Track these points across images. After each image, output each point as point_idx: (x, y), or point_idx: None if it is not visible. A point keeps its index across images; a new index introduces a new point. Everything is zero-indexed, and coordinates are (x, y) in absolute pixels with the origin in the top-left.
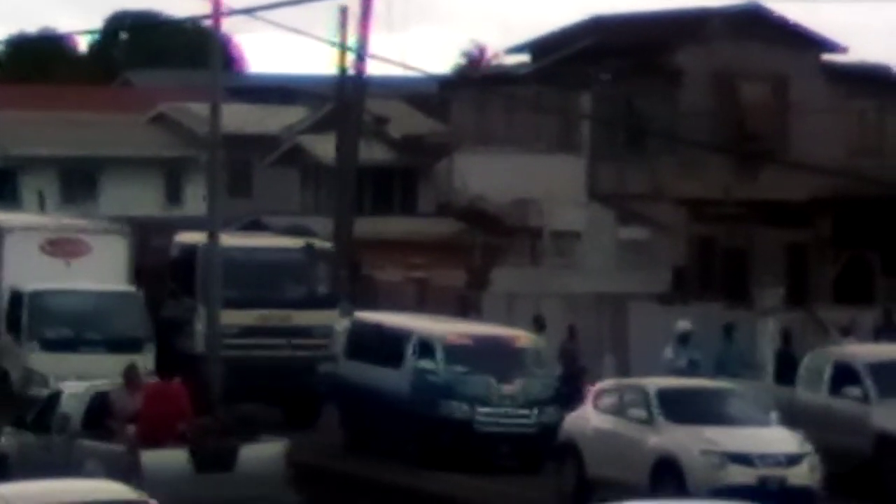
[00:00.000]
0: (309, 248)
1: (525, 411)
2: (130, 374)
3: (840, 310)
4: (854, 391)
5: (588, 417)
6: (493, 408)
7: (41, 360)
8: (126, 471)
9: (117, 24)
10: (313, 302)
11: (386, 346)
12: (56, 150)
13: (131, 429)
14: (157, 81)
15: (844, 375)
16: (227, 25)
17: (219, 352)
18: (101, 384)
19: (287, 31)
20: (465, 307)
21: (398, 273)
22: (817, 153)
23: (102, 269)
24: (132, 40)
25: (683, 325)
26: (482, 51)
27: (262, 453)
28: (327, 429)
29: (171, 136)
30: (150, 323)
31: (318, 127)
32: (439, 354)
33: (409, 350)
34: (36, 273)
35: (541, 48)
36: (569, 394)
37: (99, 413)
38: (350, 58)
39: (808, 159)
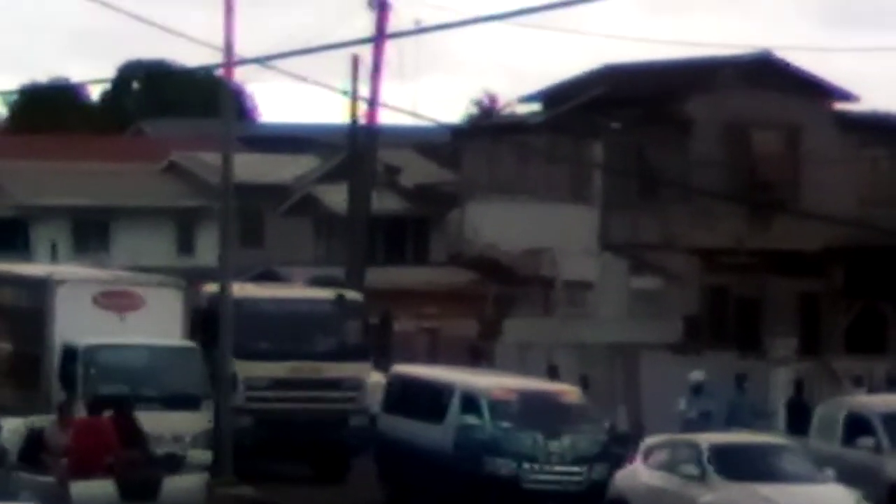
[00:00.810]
0: (340, 300)
1: (574, 468)
2: (63, 410)
3: (852, 360)
4: (867, 441)
5: (638, 474)
6: (540, 464)
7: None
8: (56, 501)
9: (130, 73)
10: (344, 354)
11: (427, 401)
12: (68, 199)
13: (63, 462)
14: (170, 131)
15: (858, 426)
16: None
17: (247, 404)
18: (37, 420)
19: (299, 81)
20: (476, 357)
21: (410, 323)
22: (830, 202)
23: (157, 324)
24: (145, 90)
25: (696, 375)
26: (493, 100)
27: (185, 484)
28: (363, 484)
29: (183, 186)
30: (208, 379)
31: (329, 176)
32: (484, 409)
33: (453, 405)
34: (89, 327)
35: (552, 97)
36: None
37: (34, 447)
38: (362, 107)
39: (820, 209)
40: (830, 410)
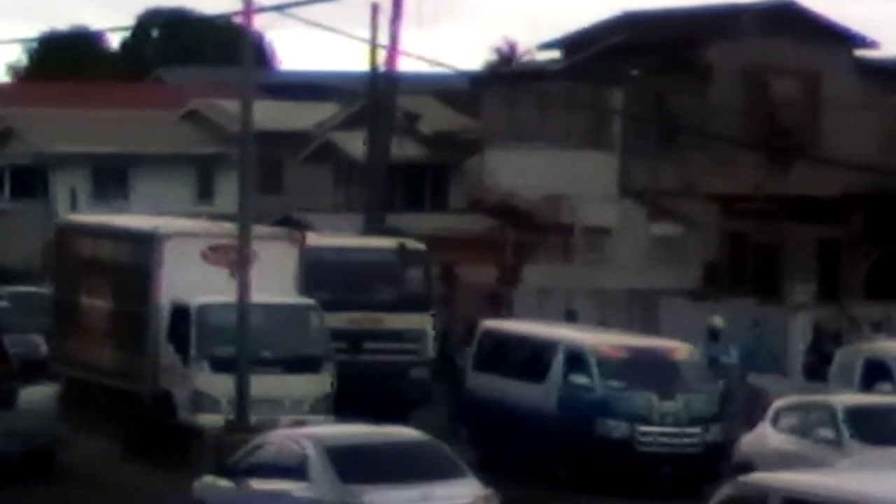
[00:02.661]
0: (402, 249)
1: (689, 429)
2: None
3: (872, 306)
4: (885, 387)
5: (767, 438)
6: (654, 426)
7: (212, 382)
8: None
9: (149, 21)
10: (405, 304)
11: (525, 358)
12: (87, 147)
13: None
14: (189, 78)
15: (876, 371)
16: (259, 22)
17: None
18: None
19: (318, 28)
20: (496, 303)
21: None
22: (849, 149)
23: (270, 280)
24: (164, 37)
25: (715, 320)
26: (513, 47)
27: (38, 394)
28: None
29: (202, 133)
30: (329, 340)
31: (349, 124)
32: (593, 368)
33: (556, 363)
34: (197, 284)
35: (572, 44)
36: None
37: None
38: (381, 54)
39: (839, 155)
40: (849, 356)
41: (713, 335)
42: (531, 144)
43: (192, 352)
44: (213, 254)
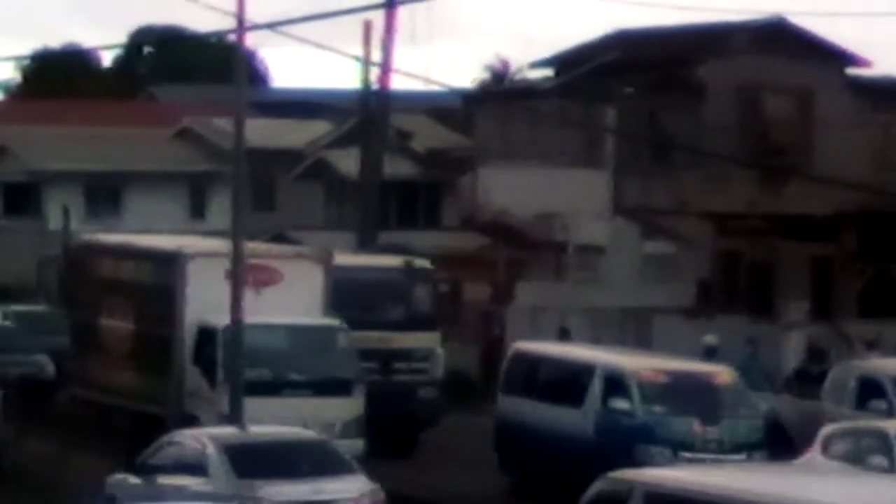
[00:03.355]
0: (409, 267)
1: (733, 457)
2: None
3: (865, 324)
4: (879, 405)
5: (817, 465)
6: (697, 453)
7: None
8: None
9: (142, 38)
10: (413, 323)
11: (560, 381)
12: (80, 164)
13: None
14: (182, 96)
15: (870, 389)
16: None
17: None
18: None
19: (311, 46)
20: (489, 321)
21: None
22: (842, 167)
23: (297, 300)
24: (156, 55)
25: (709, 339)
26: (506, 65)
27: None
28: (483, 472)
29: (195, 151)
30: (358, 361)
31: (342, 141)
32: (633, 392)
33: (593, 386)
34: (222, 304)
35: (565, 62)
36: None
37: None
38: (374, 72)
39: (832, 173)
40: (842, 374)
41: (708, 353)
42: (524, 162)
43: (220, 375)
44: None
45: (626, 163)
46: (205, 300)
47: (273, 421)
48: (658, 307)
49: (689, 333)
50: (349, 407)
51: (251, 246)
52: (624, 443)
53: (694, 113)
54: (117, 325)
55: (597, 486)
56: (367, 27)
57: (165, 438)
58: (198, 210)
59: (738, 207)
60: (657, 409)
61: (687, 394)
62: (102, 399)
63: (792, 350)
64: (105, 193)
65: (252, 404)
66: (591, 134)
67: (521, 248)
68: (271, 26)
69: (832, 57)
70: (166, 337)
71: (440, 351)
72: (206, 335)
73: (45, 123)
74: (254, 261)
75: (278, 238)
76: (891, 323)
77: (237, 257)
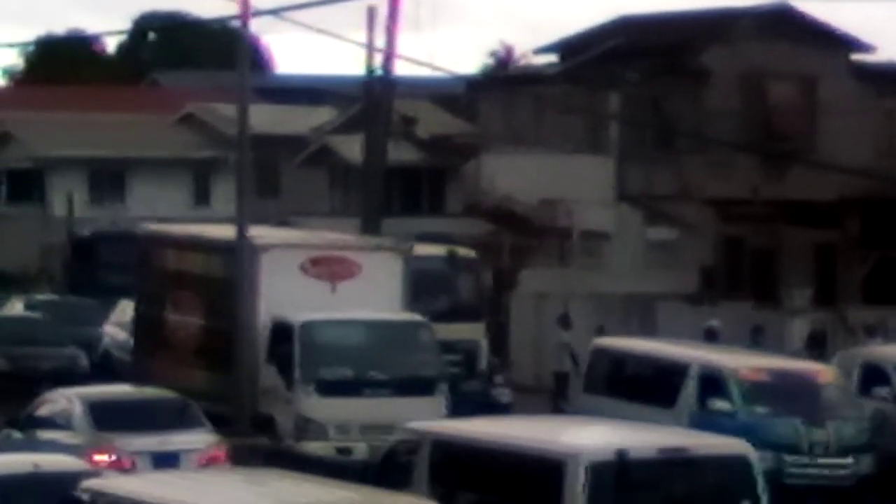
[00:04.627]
0: (452, 257)
1: (840, 460)
2: None
3: (869, 310)
4: (883, 391)
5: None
6: (802, 456)
7: (318, 407)
8: None
9: (145, 24)
10: (456, 314)
11: (649, 380)
12: (84, 151)
13: None
14: (185, 82)
15: (873, 376)
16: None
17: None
18: None
19: (315, 32)
20: (495, 308)
21: None
22: (845, 153)
23: (374, 294)
24: (160, 41)
25: (711, 322)
26: (510, 51)
27: None
28: None
29: (198, 137)
30: (442, 359)
31: (345, 127)
32: (734, 392)
33: (687, 386)
34: (297, 299)
35: (568, 48)
36: None
37: None
38: (378, 58)
39: (836, 159)
40: (846, 361)
41: (711, 337)
42: (528, 148)
43: (297, 374)
44: (314, 267)
45: (630, 149)
46: (278, 294)
47: (355, 423)
48: (662, 293)
49: (693, 320)
50: (432, 407)
51: (328, 237)
52: None
53: (698, 99)
54: (185, 320)
55: (395, 437)
56: (371, 13)
57: (42, 397)
58: (202, 196)
59: (742, 193)
60: (759, 409)
61: (789, 393)
62: None
63: (796, 336)
64: (109, 180)
65: (329, 405)
66: (595, 120)
67: (525, 234)
68: (275, 12)
69: (836, 43)
70: (238, 333)
71: (484, 342)
72: (281, 332)
73: (49, 110)
74: (330, 253)
75: (282, 225)
76: (894, 309)
77: (240, 244)
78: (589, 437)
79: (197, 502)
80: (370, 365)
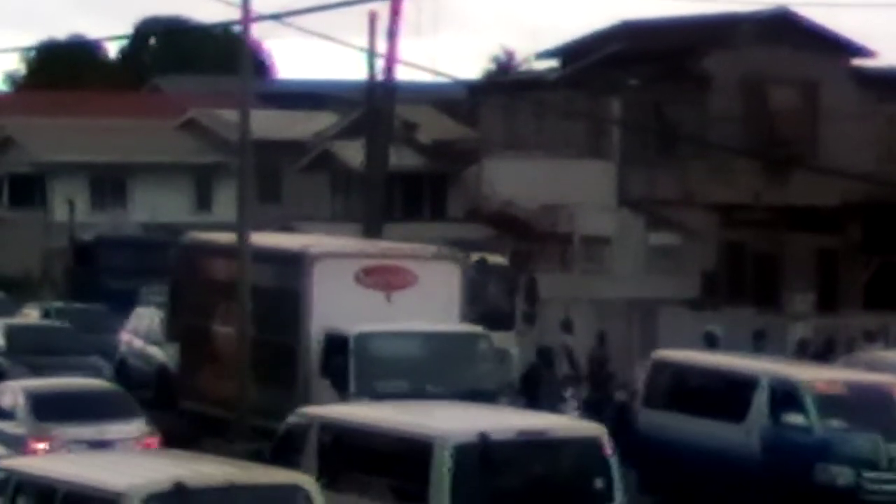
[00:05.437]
0: (482, 264)
1: None
2: None
3: (871, 316)
4: None
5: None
6: (882, 472)
7: None
8: None
9: (147, 30)
10: (488, 323)
11: (715, 394)
12: (85, 156)
13: None
14: (187, 87)
15: None
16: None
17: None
18: None
19: (316, 37)
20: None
21: None
22: (847, 158)
23: (431, 304)
24: (162, 46)
25: (710, 327)
26: (511, 56)
27: None
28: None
29: (200, 142)
30: (501, 371)
31: (347, 133)
32: (809, 406)
33: (758, 399)
34: (351, 310)
35: (570, 54)
36: (598, 400)
37: None
38: (379, 63)
39: (837, 164)
40: (847, 366)
41: (710, 342)
42: (529, 153)
43: (351, 387)
44: (368, 276)
45: (632, 154)
46: (332, 305)
47: None
48: (663, 298)
49: (695, 325)
50: None
51: (382, 245)
52: (799, 462)
53: (699, 104)
54: (233, 332)
55: (288, 421)
56: (373, 18)
57: None
58: (203, 201)
59: (744, 199)
60: (836, 424)
61: (867, 407)
62: (215, 413)
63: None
64: (110, 185)
65: None
66: (597, 125)
67: (527, 239)
68: (277, 17)
69: (837, 48)
70: (290, 345)
71: (514, 351)
72: (335, 344)
73: (51, 115)
74: (385, 262)
75: (284, 230)
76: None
77: (242, 249)
78: (455, 420)
79: (84, 475)
80: (427, 378)
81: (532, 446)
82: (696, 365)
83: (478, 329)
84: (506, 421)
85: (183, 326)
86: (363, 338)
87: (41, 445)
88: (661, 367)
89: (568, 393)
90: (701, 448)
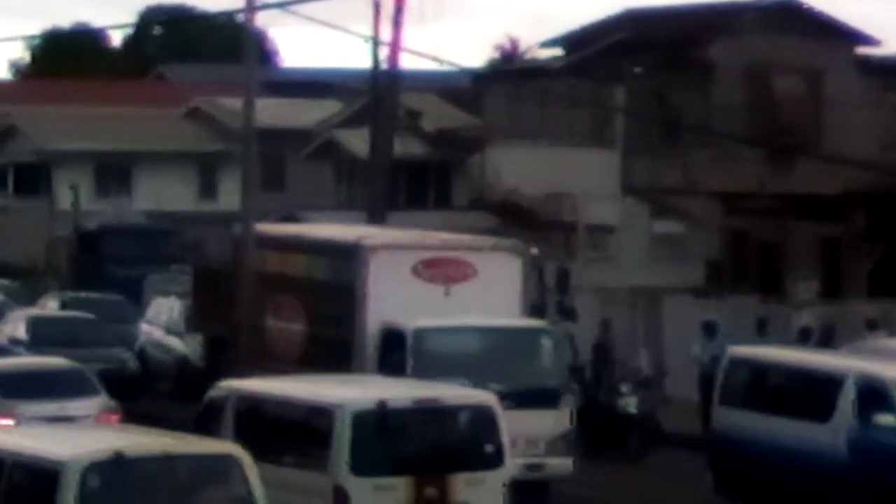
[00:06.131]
0: None
1: None
2: None
3: (875, 304)
4: None
5: None
6: None
7: None
8: None
9: (151, 18)
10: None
11: (798, 392)
12: (90, 144)
13: None
14: (191, 76)
15: None
16: (261, 20)
17: None
18: None
19: (321, 26)
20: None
21: None
22: (851, 147)
23: (491, 298)
24: (166, 35)
25: (709, 316)
26: (515, 44)
27: None
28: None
29: (204, 131)
30: (567, 369)
31: (351, 121)
32: None
33: (845, 398)
34: (409, 304)
35: (574, 42)
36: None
37: None
38: (384, 51)
39: (841, 153)
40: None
41: (709, 331)
42: (533, 142)
43: None
44: (427, 269)
45: (636, 142)
46: (389, 299)
47: None
48: (667, 287)
49: (699, 313)
50: (556, 421)
51: (441, 237)
52: (890, 463)
53: (703, 92)
54: (286, 327)
55: (209, 394)
56: (377, 6)
57: None
58: (208, 190)
59: (748, 187)
60: None
61: None
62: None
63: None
64: (115, 173)
65: None
66: (601, 113)
67: (531, 227)
68: (281, 6)
69: (842, 36)
70: (345, 341)
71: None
72: (392, 339)
73: (55, 103)
74: (444, 254)
75: (288, 219)
76: None
77: (247, 238)
78: (355, 390)
79: (30, 446)
80: (489, 375)
81: (426, 413)
82: (777, 362)
83: (541, 323)
84: (402, 390)
85: (232, 321)
86: (422, 333)
87: (5, 422)
88: (738, 363)
89: (624, 388)
90: (782, 449)
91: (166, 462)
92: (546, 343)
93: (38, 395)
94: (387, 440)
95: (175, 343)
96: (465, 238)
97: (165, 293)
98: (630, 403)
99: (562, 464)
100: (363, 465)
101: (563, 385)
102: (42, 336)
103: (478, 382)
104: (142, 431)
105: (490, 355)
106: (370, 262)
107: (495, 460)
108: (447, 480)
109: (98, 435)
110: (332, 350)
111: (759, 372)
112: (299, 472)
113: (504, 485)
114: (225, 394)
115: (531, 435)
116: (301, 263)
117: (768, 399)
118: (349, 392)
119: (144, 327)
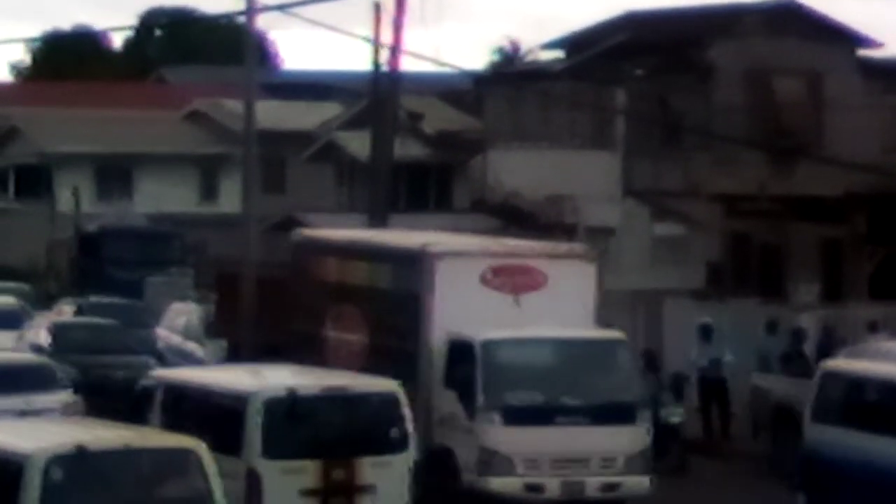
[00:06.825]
0: None
1: None
2: None
3: (876, 306)
4: None
5: None
6: None
7: (504, 437)
8: None
9: (152, 20)
10: None
11: None
12: (91, 146)
13: None
14: (192, 78)
15: None
16: (262, 22)
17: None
18: None
19: (321, 28)
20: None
21: None
22: (852, 149)
23: (563, 308)
24: (167, 37)
25: (703, 319)
26: (516, 47)
27: None
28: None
29: (205, 133)
30: (642, 383)
31: (352, 123)
32: None
33: None
34: (477, 314)
35: (575, 44)
36: None
37: None
38: (384, 54)
39: (843, 155)
40: (854, 355)
41: (704, 334)
42: (534, 144)
43: (480, 400)
44: (496, 277)
45: (637, 145)
46: (455, 309)
47: (546, 456)
48: (668, 289)
49: (700, 316)
50: (633, 437)
51: (510, 243)
52: None
53: (704, 95)
54: (346, 337)
55: (141, 383)
56: (378, 8)
57: None
58: (209, 192)
59: (749, 189)
60: None
61: None
62: None
63: (811, 331)
64: (115, 176)
65: (516, 435)
66: (602, 116)
67: (532, 230)
68: (282, 8)
69: (843, 38)
70: (408, 353)
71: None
72: (460, 351)
73: (56, 105)
74: (513, 261)
75: (289, 221)
76: None
77: (248, 238)
78: (267, 379)
79: None
80: (562, 389)
81: (335, 400)
82: (871, 377)
83: (617, 335)
84: (311, 379)
85: (292, 330)
86: (491, 345)
87: None
88: (832, 378)
89: (665, 398)
90: (881, 469)
91: (127, 455)
92: (622, 355)
93: (5, 389)
94: (297, 426)
95: (194, 349)
96: (536, 244)
97: (183, 298)
98: (673, 413)
99: (639, 483)
100: (274, 448)
101: (639, 400)
102: (65, 343)
103: (550, 397)
104: (103, 425)
105: (563, 368)
106: (436, 269)
107: (401, 445)
108: (354, 463)
109: (62, 429)
110: (395, 362)
111: (856, 387)
112: (218, 455)
113: (409, 468)
114: (154, 383)
115: (607, 452)
116: (362, 271)
117: (866, 416)
118: (262, 380)
119: (162, 333)
